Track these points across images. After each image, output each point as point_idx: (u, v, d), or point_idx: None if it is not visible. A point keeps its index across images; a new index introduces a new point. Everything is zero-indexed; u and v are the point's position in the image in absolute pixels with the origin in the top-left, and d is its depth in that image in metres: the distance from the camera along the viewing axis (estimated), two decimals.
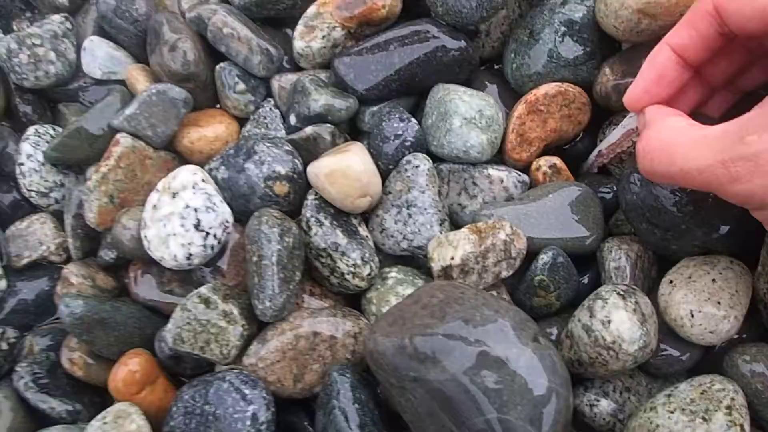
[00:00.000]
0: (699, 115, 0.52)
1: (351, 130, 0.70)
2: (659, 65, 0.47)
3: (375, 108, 0.68)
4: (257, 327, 0.59)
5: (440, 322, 0.46)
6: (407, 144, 0.64)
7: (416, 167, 0.62)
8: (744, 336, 0.57)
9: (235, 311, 0.56)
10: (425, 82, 0.68)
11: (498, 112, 0.65)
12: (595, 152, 0.65)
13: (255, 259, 0.56)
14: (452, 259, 0.57)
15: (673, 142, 0.42)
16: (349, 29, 0.69)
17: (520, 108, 0.65)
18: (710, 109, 0.54)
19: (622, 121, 0.61)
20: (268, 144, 0.63)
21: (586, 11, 0.65)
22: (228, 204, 0.61)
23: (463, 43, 0.67)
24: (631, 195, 0.58)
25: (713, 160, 0.39)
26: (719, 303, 0.54)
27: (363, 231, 0.63)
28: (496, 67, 0.73)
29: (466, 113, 0.63)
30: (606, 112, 0.66)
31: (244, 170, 0.62)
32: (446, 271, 0.57)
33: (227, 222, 0.60)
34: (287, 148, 0.63)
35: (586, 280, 0.63)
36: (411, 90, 0.69)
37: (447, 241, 0.58)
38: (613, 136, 0.61)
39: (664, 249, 0.59)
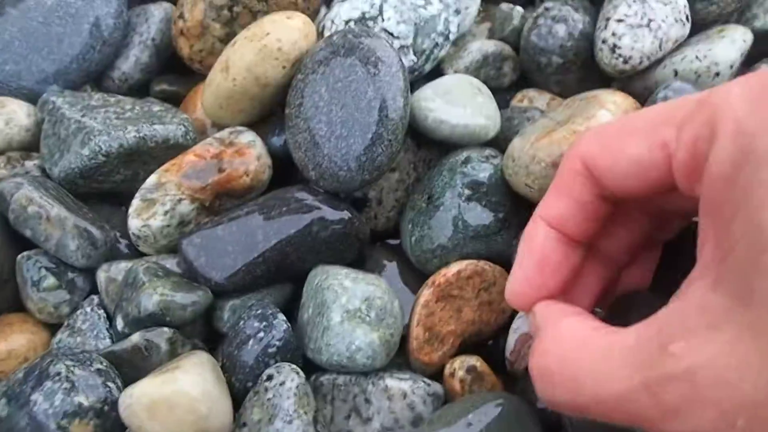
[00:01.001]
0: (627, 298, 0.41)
1: (209, 334, 0.53)
2: (537, 247, 0.37)
3: (238, 301, 0.52)
4: None
5: None
6: (272, 350, 0.47)
7: (280, 385, 0.45)
8: None
9: None
10: (302, 265, 0.52)
11: (393, 301, 0.49)
12: (508, 358, 0.50)
13: None
14: None
15: (575, 357, 0.30)
16: (203, 203, 0.54)
17: (426, 294, 0.50)
18: (632, 280, 0.43)
19: (512, 325, 0.47)
20: (71, 362, 0.44)
21: (492, 170, 0.53)
22: None
23: (346, 214, 0.52)
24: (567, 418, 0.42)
25: (633, 381, 0.27)
26: None
27: None
28: (393, 242, 0.59)
29: (348, 304, 0.47)
30: None
31: (29, 404, 0.43)
32: None
33: None
34: (99, 366, 0.45)
35: None
36: (285, 276, 0.53)
37: None
38: (510, 343, 0.47)
39: None
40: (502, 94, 0.62)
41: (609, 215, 0.37)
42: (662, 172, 0.32)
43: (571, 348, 0.31)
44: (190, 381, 0.42)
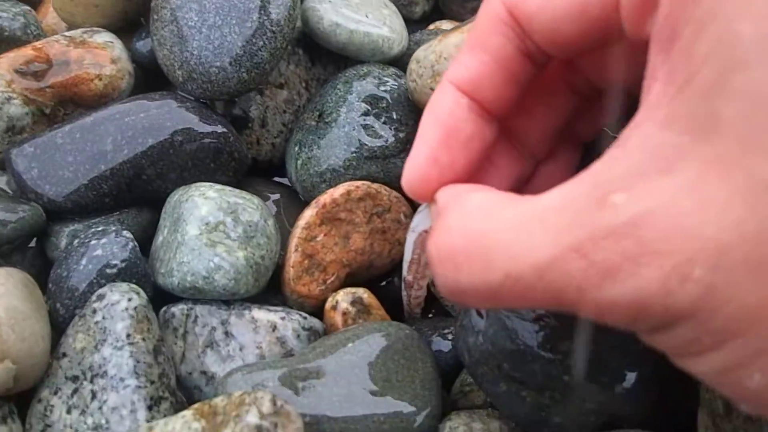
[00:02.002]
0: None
1: (44, 267, 0.43)
2: (445, 116, 0.29)
3: (79, 225, 0.42)
4: None
5: None
6: (110, 272, 0.38)
7: (112, 305, 0.35)
8: None
9: None
10: (162, 184, 0.43)
11: (267, 219, 0.41)
12: (403, 286, 0.41)
13: None
14: None
15: (485, 229, 0.24)
16: (41, 108, 0.44)
17: (307, 215, 0.42)
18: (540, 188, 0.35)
19: (411, 223, 0.37)
20: None
21: (395, 84, 0.46)
22: None
23: (219, 127, 0.44)
24: (474, 337, 0.35)
25: (558, 247, 0.21)
26: None
27: (12, 428, 0.34)
28: (280, 180, 0.51)
29: (209, 216, 0.39)
30: None
31: None
32: None
33: None
34: None
35: None
36: (141, 197, 0.44)
37: None
38: (408, 250, 0.38)
39: (541, 424, 0.35)
40: (414, 27, 0.56)
41: (530, 82, 0.30)
42: (605, 9, 0.26)
43: (479, 219, 0.24)
44: None
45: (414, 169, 0.29)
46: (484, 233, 0.24)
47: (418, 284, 0.39)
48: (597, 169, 0.22)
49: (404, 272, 0.39)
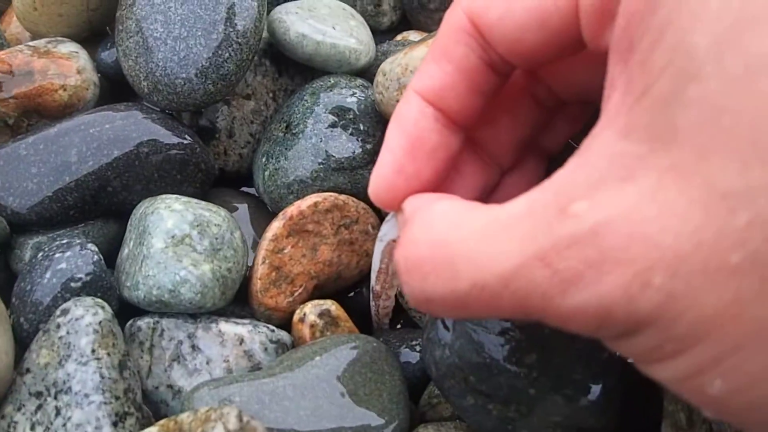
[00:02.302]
0: None
1: (7, 280, 0.42)
2: (410, 126, 0.30)
3: (44, 238, 0.42)
4: None
5: None
6: (75, 285, 0.38)
7: (77, 320, 0.35)
8: None
9: None
10: (128, 196, 0.43)
11: (234, 231, 0.41)
12: (371, 296, 0.41)
13: None
14: None
15: (450, 238, 0.24)
16: (4, 118, 0.44)
17: (275, 226, 0.42)
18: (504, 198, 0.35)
19: (378, 233, 0.38)
20: None
21: (362, 95, 0.46)
22: None
23: (186, 139, 0.44)
24: (441, 350, 0.35)
25: (523, 255, 0.22)
26: None
27: None
28: (248, 190, 0.51)
29: (175, 229, 0.38)
30: None
31: None
32: None
33: None
34: None
35: None
36: (106, 209, 0.43)
37: None
38: (375, 259, 0.38)
39: None
40: (381, 37, 0.56)
41: (494, 93, 0.31)
42: (564, 19, 0.26)
43: (446, 229, 0.24)
44: None
45: (380, 179, 0.30)
46: (449, 243, 0.24)
47: (386, 294, 0.40)
48: (559, 177, 0.22)
49: (372, 282, 0.39)
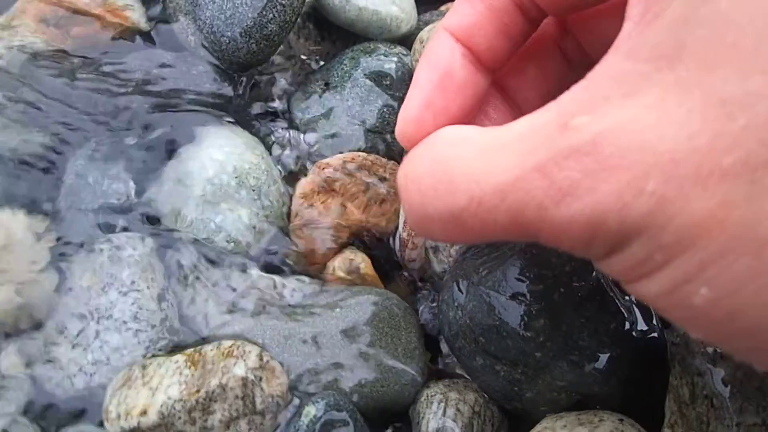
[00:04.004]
0: None
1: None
2: (441, 61, 0.29)
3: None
4: None
5: None
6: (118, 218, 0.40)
7: (118, 250, 0.38)
8: None
9: None
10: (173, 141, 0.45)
11: (273, 183, 0.43)
12: (398, 246, 0.43)
13: None
14: (143, 414, 0.31)
15: (451, 155, 0.24)
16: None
17: (307, 181, 0.44)
18: None
19: None
20: None
21: (400, 62, 0.47)
22: None
23: (230, 90, 0.46)
24: (454, 312, 0.37)
25: (522, 168, 0.22)
26: None
27: (13, 364, 0.36)
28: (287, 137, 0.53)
29: (215, 176, 0.41)
30: None
31: None
32: None
33: None
34: None
35: None
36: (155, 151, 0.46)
37: (140, 377, 0.33)
38: (401, 223, 0.39)
39: (514, 399, 0.37)
40: (426, 6, 0.57)
41: (522, 39, 0.31)
42: None
43: (447, 148, 0.25)
44: None
45: (408, 115, 0.29)
46: (449, 158, 0.24)
47: (412, 243, 0.41)
48: (562, 98, 0.22)
49: (400, 229, 0.40)
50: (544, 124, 0.22)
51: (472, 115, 0.31)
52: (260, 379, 0.33)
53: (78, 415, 0.35)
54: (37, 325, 0.36)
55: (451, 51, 0.30)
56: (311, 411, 0.33)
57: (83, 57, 0.46)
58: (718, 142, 0.18)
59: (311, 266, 0.44)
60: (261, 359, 0.33)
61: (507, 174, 0.22)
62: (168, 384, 0.32)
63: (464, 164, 0.23)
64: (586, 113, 0.21)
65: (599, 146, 0.20)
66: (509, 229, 0.22)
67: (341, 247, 0.44)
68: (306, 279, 0.42)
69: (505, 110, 0.34)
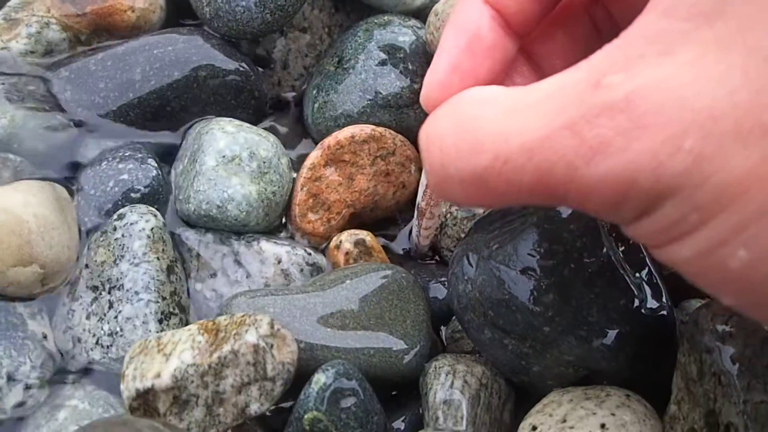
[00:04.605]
0: None
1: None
2: (470, 24, 0.28)
3: (113, 145, 0.45)
4: None
5: None
6: (135, 196, 0.41)
7: (131, 225, 0.38)
8: None
9: None
10: (185, 116, 0.46)
11: (281, 157, 0.43)
12: (415, 215, 0.42)
13: None
14: (157, 376, 0.31)
15: (477, 114, 0.23)
16: (78, 34, 0.46)
17: (314, 156, 0.44)
18: None
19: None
20: None
21: (414, 35, 0.47)
22: None
23: (243, 67, 0.46)
24: (464, 285, 0.37)
25: (551, 126, 0.21)
26: None
27: (37, 326, 0.37)
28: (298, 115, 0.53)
29: (226, 149, 0.41)
30: None
31: None
32: (146, 400, 0.32)
33: None
34: None
35: (401, 423, 0.38)
36: (165, 126, 0.46)
37: (156, 345, 0.33)
38: (421, 191, 0.38)
39: (521, 372, 0.37)
40: None
41: (552, 4, 0.30)
42: None
43: (471, 106, 0.24)
44: (21, 200, 0.36)
45: (434, 79, 0.28)
46: (474, 117, 0.23)
47: (430, 212, 0.40)
48: (595, 56, 0.21)
49: (418, 199, 0.40)
50: (575, 83, 0.21)
51: (499, 81, 0.30)
52: (271, 346, 0.33)
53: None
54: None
55: (479, 13, 0.29)
56: (321, 379, 0.33)
57: (97, 32, 0.47)
58: (760, 97, 0.18)
59: (319, 240, 0.44)
60: (272, 327, 0.34)
61: (535, 132, 0.21)
62: (182, 350, 0.32)
63: (489, 124, 0.22)
64: (619, 71, 0.20)
65: (633, 104, 0.19)
66: (535, 190, 0.21)
67: (347, 223, 0.45)
68: (314, 252, 0.43)
69: (531, 78, 0.33)
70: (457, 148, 0.23)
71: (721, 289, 0.20)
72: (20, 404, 0.35)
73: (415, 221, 0.42)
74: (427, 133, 0.25)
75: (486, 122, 0.22)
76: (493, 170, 0.22)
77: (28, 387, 0.35)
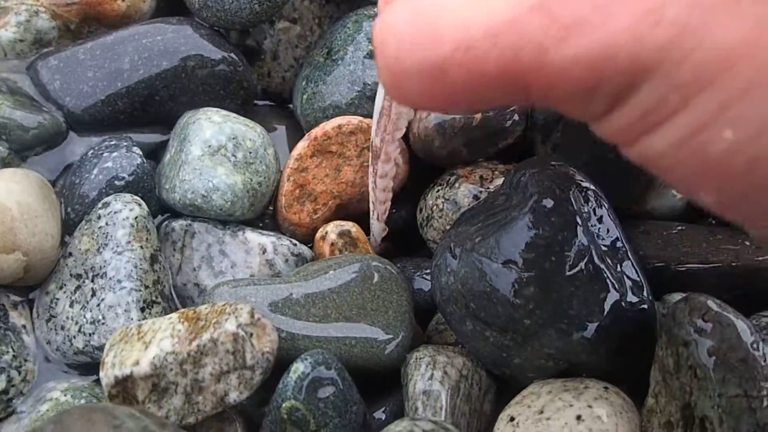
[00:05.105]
0: None
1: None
2: None
3: (97, 138, 0.45)
4: None
5: None
6: (119, 184, 0.41)
7: (115, 213, 0.38)
8: None
9: None
10: (174, 107, 0.46)
11: (267, 148, 0.43)
12: (370, 171, 0.40)
13: None
14: (136, 364, 0.32)
15: (437, 5, 0.21)
16: (67, 23, 0.46)
17: (300, 146, 0.44)
18: None
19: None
20: None
21: None
22: None
23: (232, 57, 0.46)
24: (446, 277, 0.37)
25: (519, 8, 0.18)
26: None
27: (18, 318, 0.37)
28: (288, 107, 0.53)
29: (212, 139, 0.41)
30: (429, 167, 0.46)
31: None
32: (125, 388, 0.32)
33: None
34: None
35: (382, 414, 0.38)
36: (153, 117, 0.46)
37: (137, 333, 0.33)
38: (377, 106, 0.35)
39: (503, 365, 0.37)
40: None
41: None
42: None
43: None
44: (4, 188, 0.36)
45: None
46: (434, 5, 0.21)
47: (385, 154, 0.37)
48: None
49: (372, 136, 0.36)
50: None
51: None
52: (251, 335, 0.34)
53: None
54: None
55: None
56: (299, 368, 0.33)
57: (87, 21, 0.47)
58: None
59: (305, 230, 0.44)
60: (252, 316, 0.34)
61: (501, 16, 0.19)
62: (161, 338, 0.33)
63: (451, 14, 0.20)
64: None
65: None
66: (498, 82, 0.19)
67: (333, 214, 0.45)
68: (299, 243, 0.43)
69: None
70: (413, 40, 0.21)
71: (699, 183, 0.19)
72: (2, 392, 0.35)
73: (370, 179, 0.40)
74: (381, 25, 0.22)
75: (447, 12, 0.20)
76: (453, 60, 0.20)
77: (9, 377, 0.35)
